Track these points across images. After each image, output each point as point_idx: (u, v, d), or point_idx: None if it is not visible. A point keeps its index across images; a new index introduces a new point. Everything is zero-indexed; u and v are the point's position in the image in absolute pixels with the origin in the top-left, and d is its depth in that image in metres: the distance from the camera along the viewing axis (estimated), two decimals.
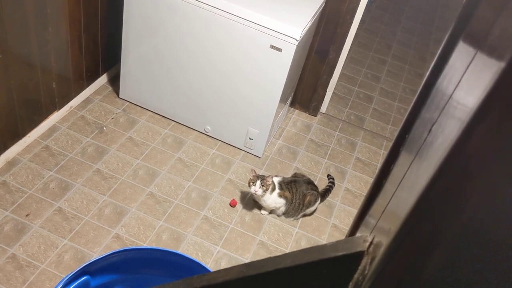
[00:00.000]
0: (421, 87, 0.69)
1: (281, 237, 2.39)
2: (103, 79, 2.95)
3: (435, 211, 0.48)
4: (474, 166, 0.45)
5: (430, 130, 0.57)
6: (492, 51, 0.47)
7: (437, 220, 0.48)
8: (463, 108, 0.47)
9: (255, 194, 2.31)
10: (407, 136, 0.69)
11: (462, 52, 0.59)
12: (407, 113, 0.71)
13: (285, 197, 2.38)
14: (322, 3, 2.61)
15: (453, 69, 0.61)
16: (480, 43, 0.52)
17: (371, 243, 0.63)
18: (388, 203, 0.65)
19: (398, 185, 0.64)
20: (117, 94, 2.89)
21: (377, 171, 0.76)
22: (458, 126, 0.45)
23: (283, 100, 2.67)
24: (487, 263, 0.45)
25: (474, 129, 0.43)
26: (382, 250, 0.56)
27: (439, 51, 0.65)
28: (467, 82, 0.52)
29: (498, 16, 0.48)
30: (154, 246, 2.19)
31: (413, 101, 0.70)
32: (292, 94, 3.10)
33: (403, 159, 0.68)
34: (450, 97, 0.56)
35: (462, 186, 0.45)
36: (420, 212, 0.49)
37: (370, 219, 0.75)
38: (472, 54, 0.53)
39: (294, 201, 2.39)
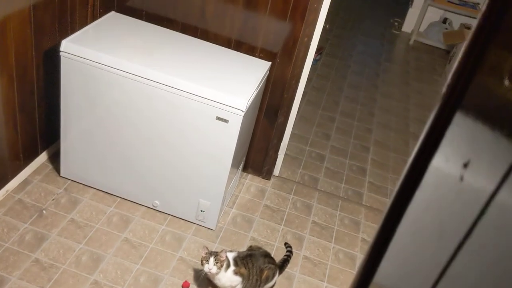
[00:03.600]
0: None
1: None
2: (42, 157, 2.78)
3: None
4: None
5: None
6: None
7: None
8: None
9: (210, 272, 2.18)
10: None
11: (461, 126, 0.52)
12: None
13: (241, 274, 2.25)
14: (267, 71, 2.60)
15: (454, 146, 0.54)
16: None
17: None
18: None
19: None
20: (58, 172, 2.72)
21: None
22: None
23: (234, 166, 2.59)
24: None
25: None
26: None
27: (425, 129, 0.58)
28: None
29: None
30: None
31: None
32: (244, 158, 3.03)
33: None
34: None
35: None
36: None
37: None
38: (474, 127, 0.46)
39: (251, 278, 2.27)
